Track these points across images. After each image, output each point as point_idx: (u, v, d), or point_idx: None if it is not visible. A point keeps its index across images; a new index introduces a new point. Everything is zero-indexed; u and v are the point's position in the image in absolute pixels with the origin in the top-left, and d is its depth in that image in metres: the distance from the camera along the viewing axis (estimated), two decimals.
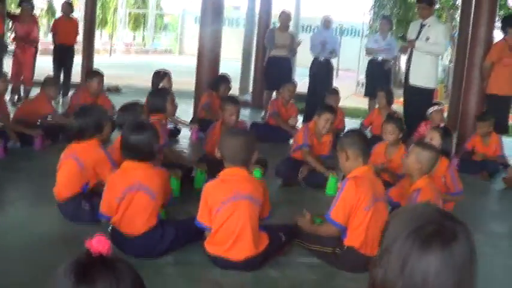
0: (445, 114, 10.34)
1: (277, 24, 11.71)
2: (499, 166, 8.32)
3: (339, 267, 4.29)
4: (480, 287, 1.59)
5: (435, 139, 5.86)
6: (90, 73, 8.90)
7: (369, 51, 11.37)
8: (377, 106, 9.59)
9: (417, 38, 8.90)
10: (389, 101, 9.14)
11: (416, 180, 4.85)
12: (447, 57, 20.49)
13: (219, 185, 4.10)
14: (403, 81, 9.42)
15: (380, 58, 11.00)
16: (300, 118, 10.31)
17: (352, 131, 4.84)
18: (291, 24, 12.71)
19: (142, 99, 6.37)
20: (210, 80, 9.36)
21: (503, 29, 9.21)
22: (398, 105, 10.57)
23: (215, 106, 8.44)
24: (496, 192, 7.69)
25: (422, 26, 8.97)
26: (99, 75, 8.41)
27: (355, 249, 4.22)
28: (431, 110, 8.39)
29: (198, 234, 4.20)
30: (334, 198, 4.33)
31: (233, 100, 6.83)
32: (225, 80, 9.12)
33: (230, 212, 3.99)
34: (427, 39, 8.82)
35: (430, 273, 1.45)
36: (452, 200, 5.59)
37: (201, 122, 8.76)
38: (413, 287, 1.46)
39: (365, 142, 4.54)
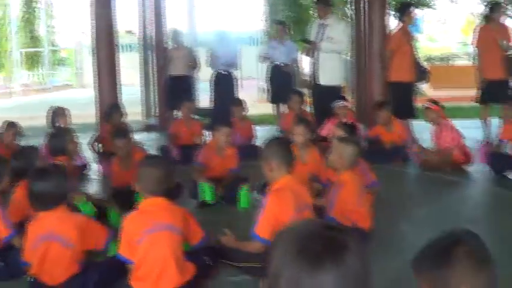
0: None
1: (172, 44, 11.60)
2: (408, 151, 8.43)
3: None
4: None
5: (339, 134, 5.90)
6: (5, 125, 8.45)
7: (262, 59, 11.40)
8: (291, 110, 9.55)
9: (320, 39, 8.91)
10: (302, 103, 9.18)
11: (341, 174, 4.88)
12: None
13: (138, 217, 3.94)
14: (309, 82, 9.39)
15: (280, 63, 10.99)
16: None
17: (274, 140, 4.68)
18: (188, 40, 12.60)
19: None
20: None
21: (400, 18, 9.36)
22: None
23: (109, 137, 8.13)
24: (411, 176, 7.78)
25: (322, 26, 9.00)
26: (14, 126, 8.03)
27: None
28: (335, 105, 8.44)
29: (124, 271, 3.98)
30: (258, 213, 4.21)
31: (121, 133, 6.62)
32: (116, 108, 8.88)
33: (151, 244, 3.82)
34: (330, 38, 8.85)
35: None
36: (369, 192, 5.55)
37: (99, 156, 8.46)
38: None
39: (288, 150, 4.43)
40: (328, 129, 8.19)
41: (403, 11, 9.39)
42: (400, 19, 9.36)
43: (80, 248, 4.11)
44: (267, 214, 4.11)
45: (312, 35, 9.16)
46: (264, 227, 4.12)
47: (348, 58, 17.44)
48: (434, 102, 8.16)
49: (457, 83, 19.12)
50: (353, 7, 12.28)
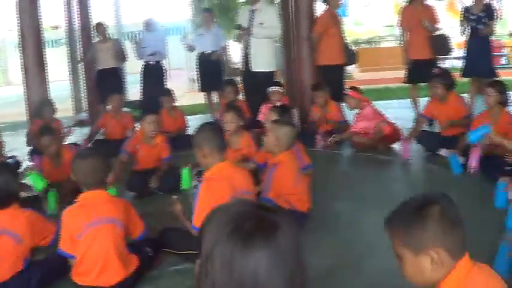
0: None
1: (97, 37, 11.43)
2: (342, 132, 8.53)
3: None
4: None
5: (273, 117, 5.90)
6: None
7: (187, 47, 11.36)
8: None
9: (251, 24, 8.86)
10: (237, 92, 9.16)
11: (277, 155, 4.91)
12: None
13: (78, 210, 3.88)
14: (239, 69, 9.34)
15: (207, 50, 10.91)
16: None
17: (205, 126, 4.57)
18: (114, 33, 12.41)
19: None
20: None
21: (326, 1, 9.39)
22: None
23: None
24: (346, 158, 7.86)
25: (253, 11, 8.94)
26: None
27: None
28: (270, 91, 8.45)
29: (67, 266, 3.95)
30: (194, 204, 4.13)
31: (47, 131, 6.46)
32: (47, 104, 8.67)
33: (92, 238, 3.78)
34: (261, 24, 8.81)
35: (261, 269, 1.37)
36: (305, 174, 5.55)
37: (31, 152, 8.21)
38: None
39: (220, 136, 4.36)
40: (264, 114, 8.21)
41: None
42: (326, 2, 9.39)
43: (29, 245, 4.07)
44: (201, 205, 4.03)
45: (243, 21, 9.10)
46: (199, 218, 4.01)
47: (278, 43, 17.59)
48: (354, 88, 8.27)
49: (384, 64, 19.48)
50: None
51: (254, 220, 1.42)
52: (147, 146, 6.63)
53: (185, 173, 6.16)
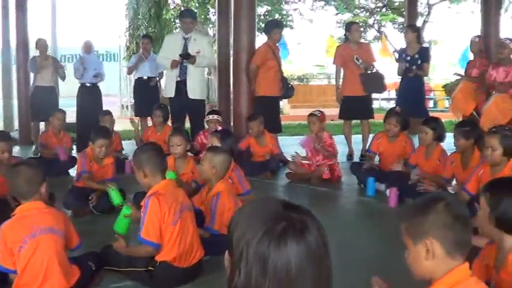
0: None
1: (37, 53, 11.29)
2: (279, 163, 8.72)
3: (154, 284, 4.22)
4: None
5: (215, 143, 6.00)
6: None
7: (129, 70, 11.56)
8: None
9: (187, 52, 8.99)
10: (166, 117, 9.24)
11: (215, 185, 4.93)
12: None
13: (16, 223, 3.82)
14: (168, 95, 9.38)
15: (145, 76, 11.02)
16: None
17: (145, 147, 4.69)
18: (50, 53, 12.31)
19: None
20: None
21: (267, 34, 9.64)
22: None
23: None
24: (281, 188, 8.00)
25: (186, 39, 9.10)
26: None
27: (169, 262, 4.17)
28: (208, 118, 8.60)
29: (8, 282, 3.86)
30: (142, 218, 4.21)
31: (3, 137, 6.38)
32: None
33: (33, 249, 3.72)
34: (198, 52, 8.98)
35: (293, 266, 1.47)
36: (244, 200, 5.68)
37: None
38: (280, 283, 1.47)
39: (161, 156, 4.46)
40: (200, 141, 8.36)
41: (270, 28, 9.67)
42: (267, 35, 9.62)
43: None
44: (150, 218, 4.11)
45: (172, 48, 9.19)
46: (149, 230, 4.13)
47: (211, 76, 17.78)
48: (321, 111, 8.32)
49: (315, 101, 19.91)
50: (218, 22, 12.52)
51: (285, 221, 1.51)
52: (96, 165, 6.66)
53: (112, 191, 6.07)
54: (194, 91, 9.07)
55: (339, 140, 8.96)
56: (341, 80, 9.81)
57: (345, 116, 9.84)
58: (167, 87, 9.45)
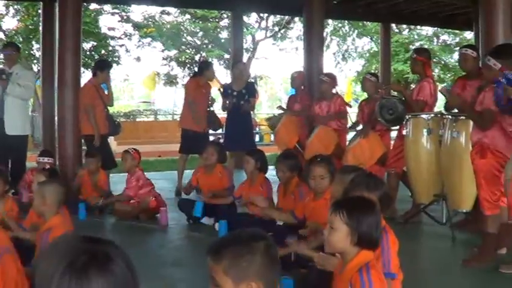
0: None
1: None
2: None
3: None
4: None
5: (41, 180, 5.88)
6: None
7: None
8: None
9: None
10: None
11: (49, 219, 4.77)
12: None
13: None
14: None
15: None
16: None
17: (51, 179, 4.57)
18: None
19: None
20: None
21: (94, 72, 9.57)
22: None
23: None
24: (110, 227, 7.91)
25: (8, 74, 8.83)
26: None
27: None
28: (38, 159, 8.37)
29: None
30: None
31: None
32: None
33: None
34: (18, 85, 8.75)
35: None
36: None
37: None
38: None
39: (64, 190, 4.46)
40: (28, 180, 8.08)
41: (100, 67, 9.61)
42: (94, 74, 9.51)
43: None
44: None
45: None
46: None
47: (35, 113, 17.20)
48: (135, 149, 8.40)
49: (142, 138, 19.85)
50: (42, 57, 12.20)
51: (86, 253, 1.49)
52: None
53: None
54: (13, 126, 8.82)
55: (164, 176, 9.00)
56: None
57: (185, 150, 10.05)
58: None
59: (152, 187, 8.22)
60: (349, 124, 9.41)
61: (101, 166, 8.73)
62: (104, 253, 1.51)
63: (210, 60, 27.91)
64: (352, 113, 9.93)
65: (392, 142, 8.42)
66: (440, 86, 7.68)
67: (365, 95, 9.62)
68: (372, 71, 20.76)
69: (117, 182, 9.33)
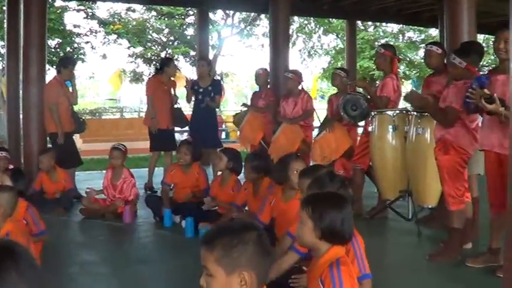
0: None
1: None
2: (72, 199, 8.52)
3: None
4: None
5: (6, 182, 5.79)
6: None
7: None
8: None
9: None
10: None
11: (3, 225, 4.68)
12: None
13: None
14: None
15: None
16: None
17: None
18: None
19: None
20: None
21: (58, 70, 9.42)
22: None
23: None
24: (75, 224, 7.82)
25: None
26: None
27: None
28: None
29: None
30: None
31: None
32: None
33: None
34: None
35: None
36: (38, 241, 5.49)
37: None
38: None
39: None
40: None
41: (63, 64, 9.47)
42: (58, 71, 9.40)
43: None
44: None
45: None
46: None
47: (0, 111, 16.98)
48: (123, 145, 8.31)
49: (108, 135, 19.68)
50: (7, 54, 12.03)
51: None
52: None
53: None
54: None
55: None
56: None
57: (155, 147, 10.01)
58: None
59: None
60: (315, 121, 9.48)
61: (59, 163, 8.64)
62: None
63: (175, 57, 27.89)
64: (318, 110, 9.99)
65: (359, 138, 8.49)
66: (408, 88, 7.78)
67: (331, 92, 9.68)
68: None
69: (80, 181, 9.24)
